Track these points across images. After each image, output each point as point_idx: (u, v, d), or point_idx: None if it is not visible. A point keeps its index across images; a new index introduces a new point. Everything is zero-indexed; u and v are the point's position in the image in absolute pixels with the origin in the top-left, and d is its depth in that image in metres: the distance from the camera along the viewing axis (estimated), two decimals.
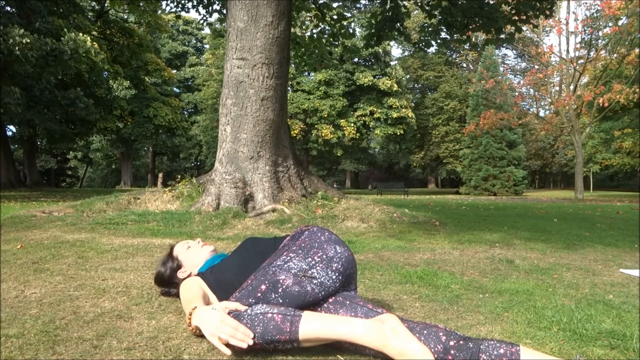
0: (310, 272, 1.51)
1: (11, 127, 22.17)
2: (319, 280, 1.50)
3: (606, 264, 3.21)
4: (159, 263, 2.00)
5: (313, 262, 1.54)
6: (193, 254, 1.92)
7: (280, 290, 1.47)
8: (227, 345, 1.33)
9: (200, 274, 1.80)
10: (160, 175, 22.13)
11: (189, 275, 1.88)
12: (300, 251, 1.58)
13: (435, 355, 1.27)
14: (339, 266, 1.56)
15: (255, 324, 1.34)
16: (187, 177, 5.89)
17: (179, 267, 1.92)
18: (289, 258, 1.56)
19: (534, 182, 50.30)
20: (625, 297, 2.23)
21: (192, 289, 1.66)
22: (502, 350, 1.26)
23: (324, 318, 1.38)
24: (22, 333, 1.47)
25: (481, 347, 1.28)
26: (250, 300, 1.46)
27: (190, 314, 1.46)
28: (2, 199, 10.22)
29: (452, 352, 1.28)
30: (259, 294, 1.47)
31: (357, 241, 3.82)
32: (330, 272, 1.53)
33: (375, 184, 34.12)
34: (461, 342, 1.30)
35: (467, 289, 2.30)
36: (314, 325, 1.34)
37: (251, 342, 1.32)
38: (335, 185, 29.18)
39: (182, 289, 1.70)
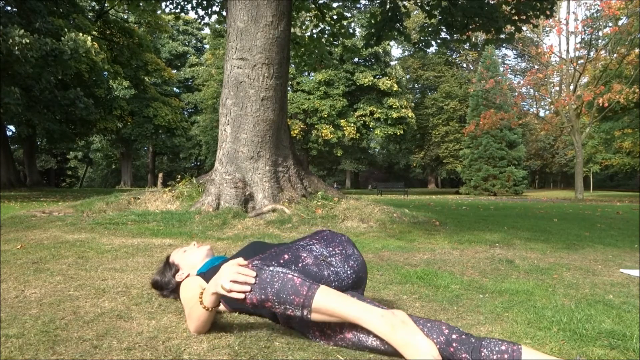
0: (329, 259, 1.57)
1: (11, 127, 22.17)
2: (336, 269, 1.55)
3: (606, 264, 3.20)
4: (156, 273, 1.99)
5: (333, 252, 1.60)
6: (190, 255, 1.93)
7: (300, 264, 1.52)
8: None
9: (201, 274, 1.80)
10: (160, 175, 22.12)
11: (187, 276, 1.87)
12: (322, 241, 1.65)
13: (438, 346, 1.29)
14: (355, 265, 1.60)
15: (275, 279, 1.36)
16: (187, 177, 5.89)
17: (177, 270, 1.92)
18: (312, 242, 1.63)
19: (534, 182, 50.27)
20: (625, 297, 2.23)
21: (193, 289, 1.67)
22: (503, 347, 1.27)
23: (340, 295, 1.39)
24: (22, 333, 1.47)
25: (483, 342, 1.29)
26: (273, 262, 1.49)
27: (201, 295, 1.48)
28: (2, 199, 10.22)
29: (454, 344, 1.29)
30: (282, 261, 1.52)
31: (357, 241, 3.82)
32: (346, 266, 1.58)
33: (375, 184, 34.13)
34: (463, 336, 1.31)
35: (467, 289, 2.30)
36: (330, 298, 1.36)
37: (252, 281, 1.36)
38: (335, 185, 29.20)
39: (183, 289, 1.70)
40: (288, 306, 1.35)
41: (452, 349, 1.28)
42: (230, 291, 1.38)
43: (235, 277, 1.37)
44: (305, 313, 1.35)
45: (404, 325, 1.32)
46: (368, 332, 1.38)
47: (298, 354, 1.37)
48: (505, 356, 1.25)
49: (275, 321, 1.65)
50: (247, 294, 1.37)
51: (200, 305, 1.47)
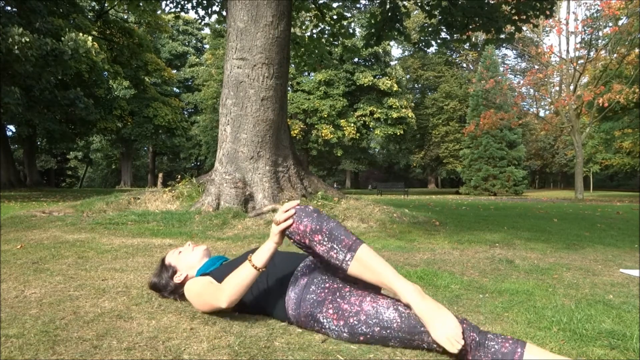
0: None
1: (11, 127, 22.17)
2: None
3: (606, 264, 3.20)
4: (152, 275, 1.98)
5: None
6: (186, 256, 1.91)
7: None
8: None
9: (204, 274, 1.79)
10: (160, 175, 22.14)
11: (186, 278, 1.86)
12: None
13: None
14: None
15: (331, 220, 1.53)
16: (187, 177, 5.89)
17: (174, 272, 1.90)
18: None
19: (534, 182, 50.26)
20: (625, 297, 2.23)
21: (204, 285, 1.69)
22: (509, 336, 1.37)
23: (381, 259, 1.51)
24: (22, 333, 1.47)
25: (489, 332, 1.39)
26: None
27: (250, 257, 1.59)
28: (2, 199, 10.22)
29: (464, 325, 1.39)
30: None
31: None
32: None
33: (375, 184, 34.09)
34: (472, 324, 1.41)
35: (467, 289, 2.30)
36: (372, 254, 1.49)
37: (296, 203, 1.53)
38: (335, 185, 29.19)
39: (192, 288, 1.72)
40: (335, 245, 1.47)
41: (463, 327, 1.38)
42: (279, 223, 1.52)
43: (283, 208, 1.54)
44: (348, 257, 1.46)
45: (434, 301, 1.42)
46: (387, 305, 1.46)
47: (298, 354, 1.37)
48: (510, 341, 1.33)
49: (282, 318, 1.66)
50: (304, 220, 1.49)
51: (249, 264, 1.57)
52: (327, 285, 1.57)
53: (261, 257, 1.57)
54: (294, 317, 1.61)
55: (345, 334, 1.49)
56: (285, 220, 1.52)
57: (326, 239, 1.47)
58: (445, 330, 1.33)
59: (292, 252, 1.82)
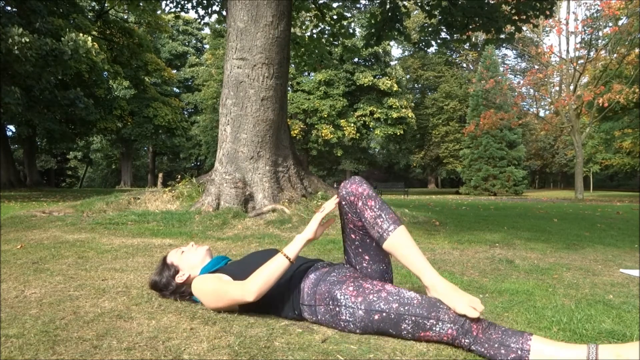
0: None
1: (11, 127, 22.16)
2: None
3: (606, 264, 3.20)
4: (154, 274, 1.97)
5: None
6: (190, 256, 1.91)
7: None
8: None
9: (210, 273, 1.79)
10: (160, 175, 22.10)
11: (189, 277, 1.86)
12: None
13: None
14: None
15: (375, 201, 1.66)
16: (187, 177, 5.89)
17: (176, 272, 1.89)
18: None
19: (534, 182, 50.22)
20: (625, 297, 2.23)
21: (219, 281, 1.70)
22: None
23: (415, 243, 1.63)
24: (22, 333, 1.47)
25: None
26: None
27: (282, 251, 1.66)
28: (2, 199, 10.22)
29: None
30: None
31: None
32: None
33: (375, 184, 34.02)
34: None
35: (467, 289, 2.30)
36: (409, 236, 1.62)
37: (338, 199, 1.69)
38: (335, 186, 29.10)
39: (204, 286, 1.72)
40: (384, 215, 1.62)
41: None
42: (325, 212, 1.69)
43: (330, 201, 1.73)
44: (391, 228, 1.60)
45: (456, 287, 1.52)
46: (409, 289, 1.54)
47: (298, 354, 1.37)
48: (510, 331, 1.39)
49: (290, 311, 1.68)
50: (364, 184, 1.67)
51: (282, 256, 1.64)
52: (349, 274, 1.67)
53: (294, 248, 1.65)
54: (307, 296, 1.63)
55: (360, 312, 1.52)
56: (326, 212, 1.69)
57: (377, 206, 1.63)
58: (466, 299, 1.42)
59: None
